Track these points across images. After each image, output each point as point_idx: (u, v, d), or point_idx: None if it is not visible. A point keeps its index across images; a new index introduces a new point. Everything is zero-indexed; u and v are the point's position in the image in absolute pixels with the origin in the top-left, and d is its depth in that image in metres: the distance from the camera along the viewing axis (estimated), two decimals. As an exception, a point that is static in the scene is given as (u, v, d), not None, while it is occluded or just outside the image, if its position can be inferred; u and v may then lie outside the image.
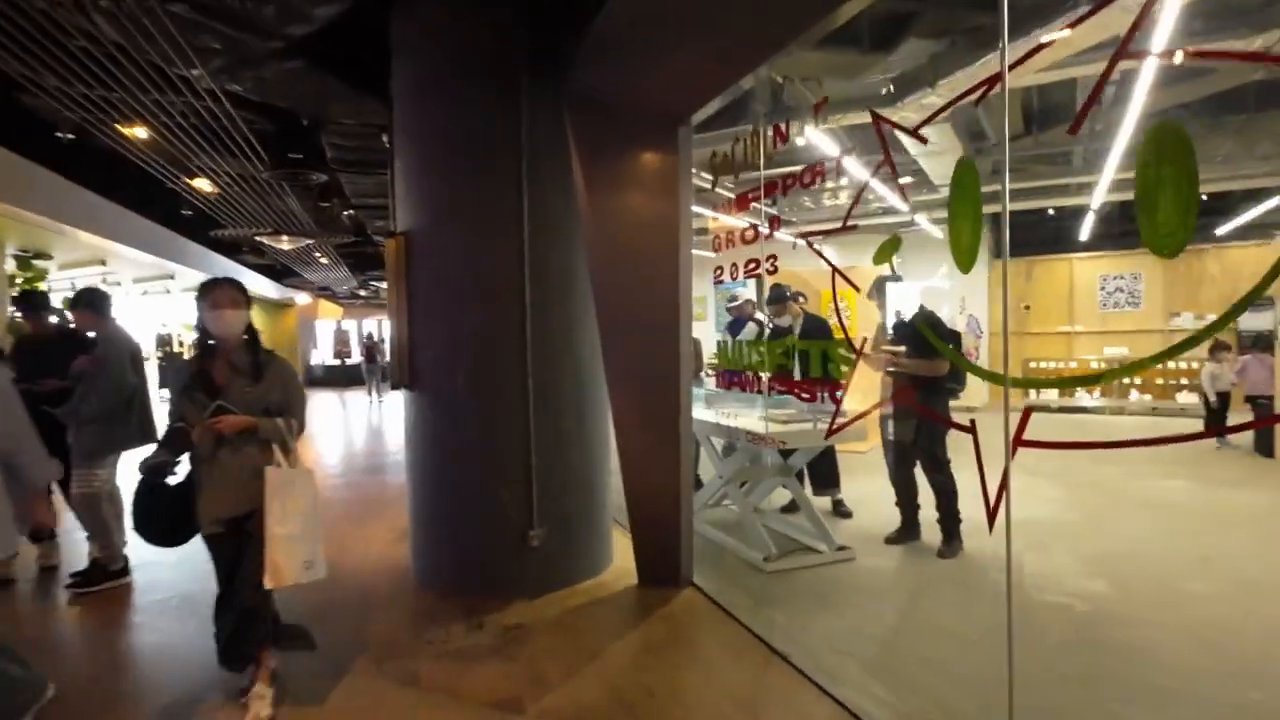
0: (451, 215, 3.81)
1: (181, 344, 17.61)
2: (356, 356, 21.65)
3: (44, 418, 4.01)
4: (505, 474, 3.75)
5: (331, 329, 22.86)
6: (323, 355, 22.15)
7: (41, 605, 4.04)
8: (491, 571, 3.80)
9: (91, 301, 4.13)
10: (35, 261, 9.66)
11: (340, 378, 20.62)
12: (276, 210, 8.50)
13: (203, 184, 6.73)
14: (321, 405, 16.15)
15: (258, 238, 9.29)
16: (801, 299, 5.09)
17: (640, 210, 3.69)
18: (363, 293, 21.26)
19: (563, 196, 3.80)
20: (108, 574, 4.08)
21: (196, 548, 2.80)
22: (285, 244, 9.41)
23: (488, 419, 3.75)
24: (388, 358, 17.83)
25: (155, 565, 4.42)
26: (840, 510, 5.31)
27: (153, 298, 17.21)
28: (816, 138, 5.78)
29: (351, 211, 9.41)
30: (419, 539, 4.11)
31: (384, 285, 18.45)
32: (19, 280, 9.53)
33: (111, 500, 4.17)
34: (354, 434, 11.38)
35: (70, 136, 5.81)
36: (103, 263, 10.96)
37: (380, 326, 23.59)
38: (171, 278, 13.88)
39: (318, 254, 11.76)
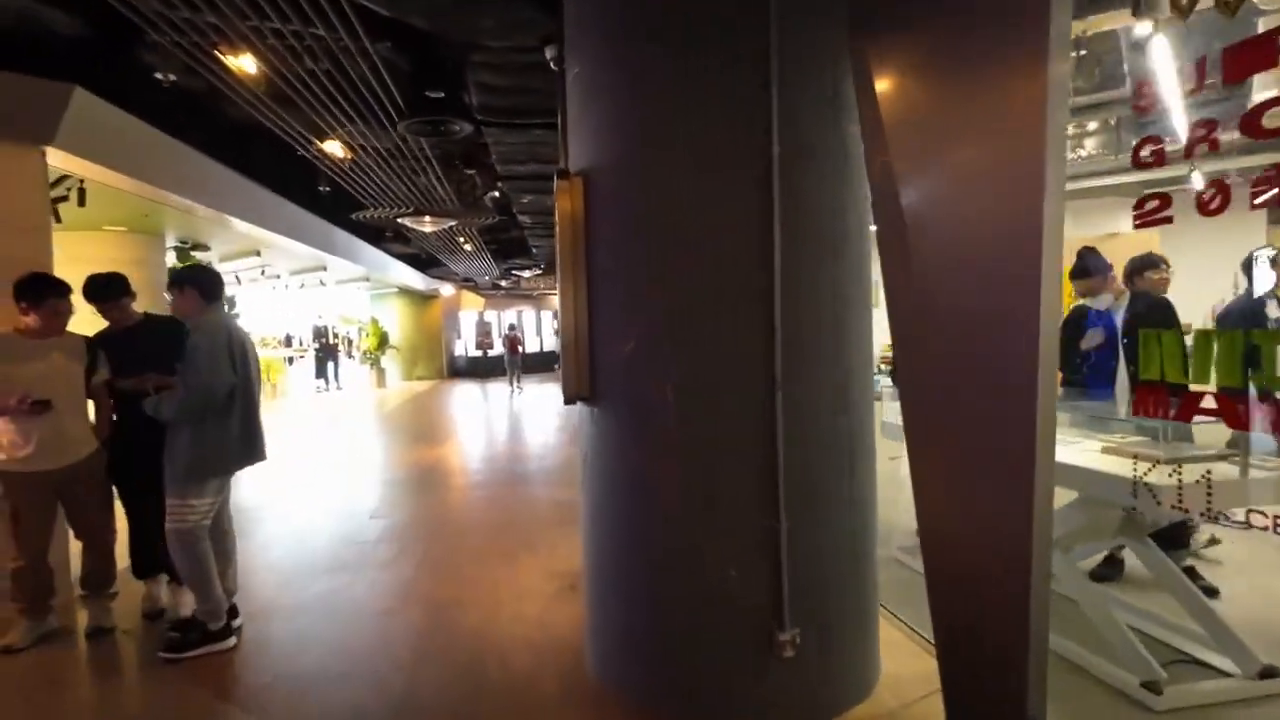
0: (659, 143, 2.48)
1: (337, 335, 18.06)
2: (498, 348, 21.48)
3: (140, 425, 3.18)
4: (737, 540, 2.40)
5: (474, 320, 22.89)
6: (465, 347, 22.21)
7: (118, 674, 3.20)
8: (713, 685, 2.47)
9: (197, 280, 3.24)
10: (194, 253, 9.58)
11: (482, 369, 20.51)
12: (418, 188, 7.73)
13: (335, 149, 5.98)
14: (464, 397, 15.84)
15: (399, 219, 8.66)
16: (1164, 267, 3.32)
17: (977, 127, 2.14)
18: (504, 283, 21.03)
19: (830, 114, 2.38)
20: (206, 635, 3.17)
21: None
22: (428, 225, 8.74)
23: (711, 452, 2.41)
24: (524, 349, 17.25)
25: (267, 617, 3.50)
26: (1195, 584, 3.52)
27: (309, 291, 17.76)
28: None
29: (497, 190, 8.55)
30: (599, 617, 2.86)
31: (525, 275, 17.91)
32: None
33: (216, 537, 3.28)
34: (495, 430, 10.64)
35: (172, 78, 5.14)
36: (258, 253, 10.88)
37: (520, 318, 23.38)
38: (324, 269, 13.92)
39: (461, 239, 11.13)
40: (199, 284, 3.23)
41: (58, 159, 4.44)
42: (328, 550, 4.66)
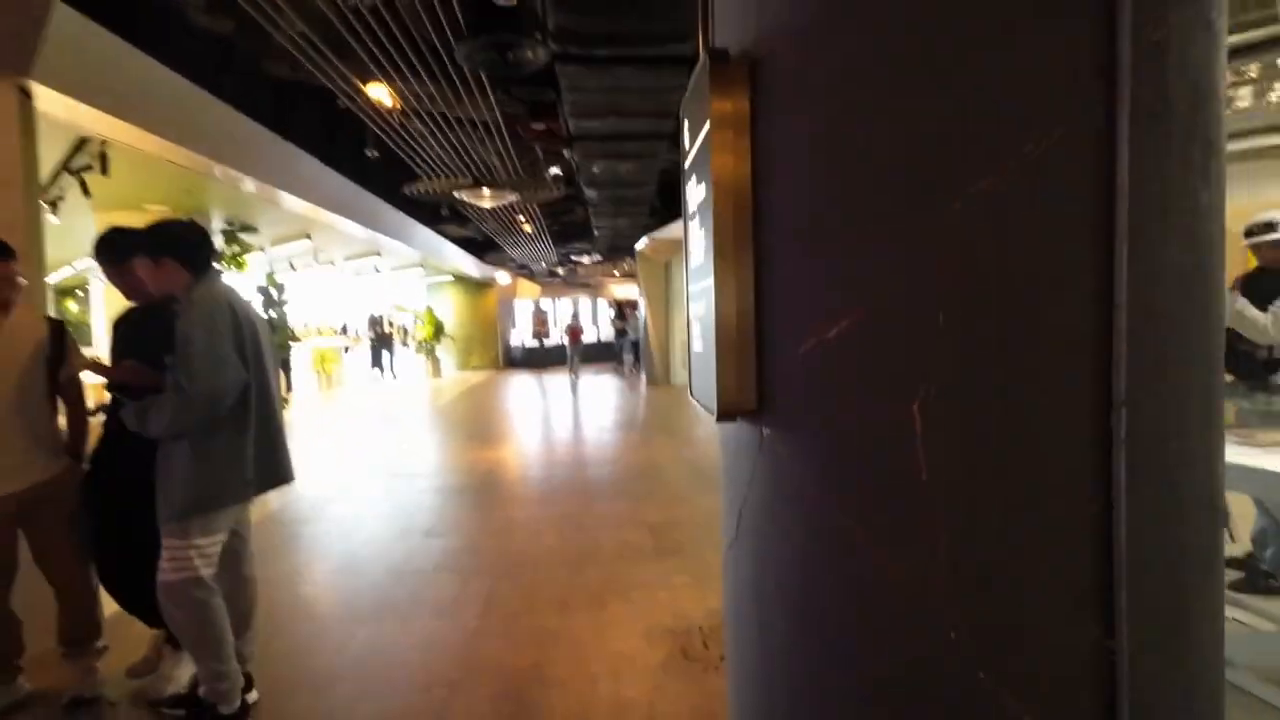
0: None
1: (392, 325, 17.60)
2: (555, 337, 20.74)
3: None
4: (1036, 667, 1.36)
5: (529, 309, 22.22)
6: (521, 336, 21.55)
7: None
8: None
9: (173, 243, 2.35)
10: (242, 235, 8.99)
11: (540, 359, 19.80)
12: (476, 157, 6.87)
13: (380, 94, 5.14)
14: (522, 389, 15.11)
15: (456, 193, 7.83)
16: None
17: None
18: (560, 270, 20.26)
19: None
20: (215, 719, 2.34)
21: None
22: (486, 200, 7.90)
23: (990, 511, 1.36)
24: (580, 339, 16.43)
25: (290, 690, 2.64)
26: None
27: (364, 278, 17.32)
28: None
29: (558, 167, 7.63)
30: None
31: (585, 261, 17.04)
32: (228, 259, 8.88)
33: (230, 588, 2.43)
34: (559, 427, 9.79)
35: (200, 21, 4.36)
36: (308, 236, 10.28)
37: (576, 306, 22.59)
38: (378, 254, 13.32)
39: (520, 218, 10.28)
40: (179, 248, 2.35)
41: (56, 106, 3.69)
42: (374, 582, 3.82)
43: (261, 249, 11.36)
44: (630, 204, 9.26)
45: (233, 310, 2.30)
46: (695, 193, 1.94)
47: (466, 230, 12.50)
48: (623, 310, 17.01)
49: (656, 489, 5.79)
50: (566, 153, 7.31)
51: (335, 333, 17.58)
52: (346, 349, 19.87)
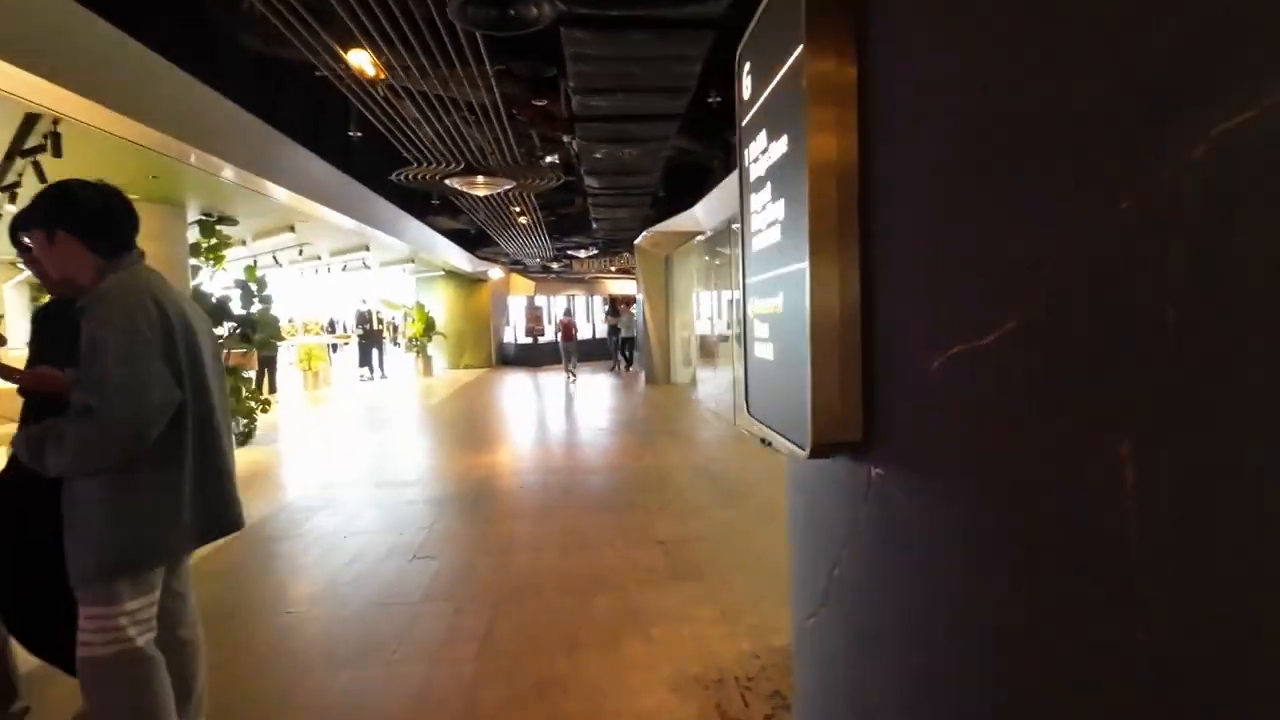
0: None
1: (381, 321, 17.08)
2: (550, 334, 20.26)
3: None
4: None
5: (523, 305, 21.74)
6: (515, 333, 21.06)
7: None
8: None
9: (68, 214, 1.84)
10: (220, 227, 8.47)
11: (533, 357, 19.31)
12: (468, 142, 6.40)
13: (363, 62, 4.64)
14: (517, 388, 14.63)
15: (448, 181, 7.34)
16: None
17: None
18: (555, 265, 19.77)
19: None
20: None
21: None
22: (481, 188, 7.42)
23: (1233, 610, 0.92)
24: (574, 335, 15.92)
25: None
26: None
27: (352, 273, 16.79)
28: None
29: (556, 155, 7.17)
30: None
31: (581, 255, 16.56)
32: (205, 252, 8.35)
33: (168, 654, 1.96)
34: (556, 428, 9.34)
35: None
36: (291, 229, 9.76)
37: (571, 303, 22.11)
38: (366, 248, 12.81)
39: (516, 209, 9.79)
40: (78, 218, 1.85)
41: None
42: (355, 616, 3.36)
43: (243, 242, 10.86)
44: (633, 193, 8.80)
45: (160, 308, 1.82)
46: (766, 151, 1.49)
47: (458, 223, 12.01)
48: (616, 306, 16.51)
49: (666, 499, 5.36)
50: (566, 138, 6.85)
51: (322, 330, 17.03)
52: (334, 347, 19.34)
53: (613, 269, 21.42)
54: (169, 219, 7.66)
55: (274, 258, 12.86)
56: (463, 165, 6.83)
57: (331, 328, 18.75)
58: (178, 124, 5.22)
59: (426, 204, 10.28)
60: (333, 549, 4.35)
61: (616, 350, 16.72)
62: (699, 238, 11.16)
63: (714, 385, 12.59)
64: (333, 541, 4.50)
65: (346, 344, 18.36)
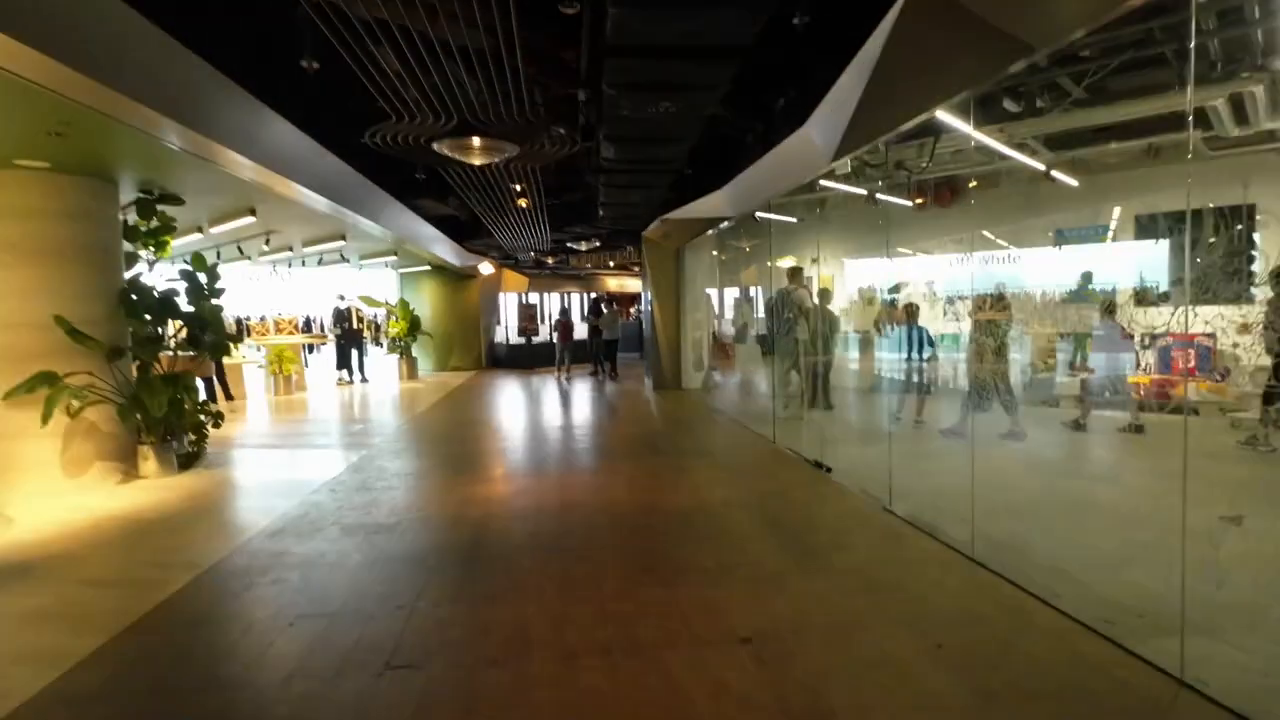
0: None
1: (361, 319, 15.62)
2: (544, 334, 18.87)
3: None
4: None
5: (515, 303, 20.33)
6: (506, 333, 19.65)
7: None
8: None
9: None
10: (163, 207, 7.03)
11: (527, 358, 17.92)
12: (463, 95, 5.04)
13: None
14: (510, 393, 13.25)
15: (435, 145, 5.93)
16: None
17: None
18: (550, 260, 18.39)
19: None
20: None
21: None
22: (476, 155, 6.00)
23: None
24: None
25: None
26: None
27: (329, 269, 15.33)
28: None
29: (576, 106, 5.81)
30: None
31: (581, 248, 15.20)
32: (144, 238, 6.91)
33: None
34: (564, 444, 7.99)
35: None
36: (252, 212, 8.33)
37: (566, 300, 20.74)
38: (344, 238, 11.38)
39: (517, 188, 8.39)
40: None
41: None
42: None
43: (199, 229, 9.41)
44: (654, 169, 7.46)
45: None
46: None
47: (448, 207, 10.60)
48: (598, 305, 14.94)
49: (727, 559, 4.04)
50: (583, 95, 5.51)
51: (296, 329, 15.54)
52: (311, 347, 17.86)
53: (611, 264, 20.08)
54: (96, 197, 6.22)
55: (239, 249, 11.43)
56: (452, 120, 5.45)
57: (307, 326, 17.25)
58: (86, 55, 3.83)
59: (409, 181, 8.86)
60: (266, 651, 2.99)
61: (598, 354, 15.16)
62: (721, 225, 9.85)
63: (734, 392, 11.32)
64: (269, 634, 3.14)
65: (324, 344, 16.86)
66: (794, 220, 11.19)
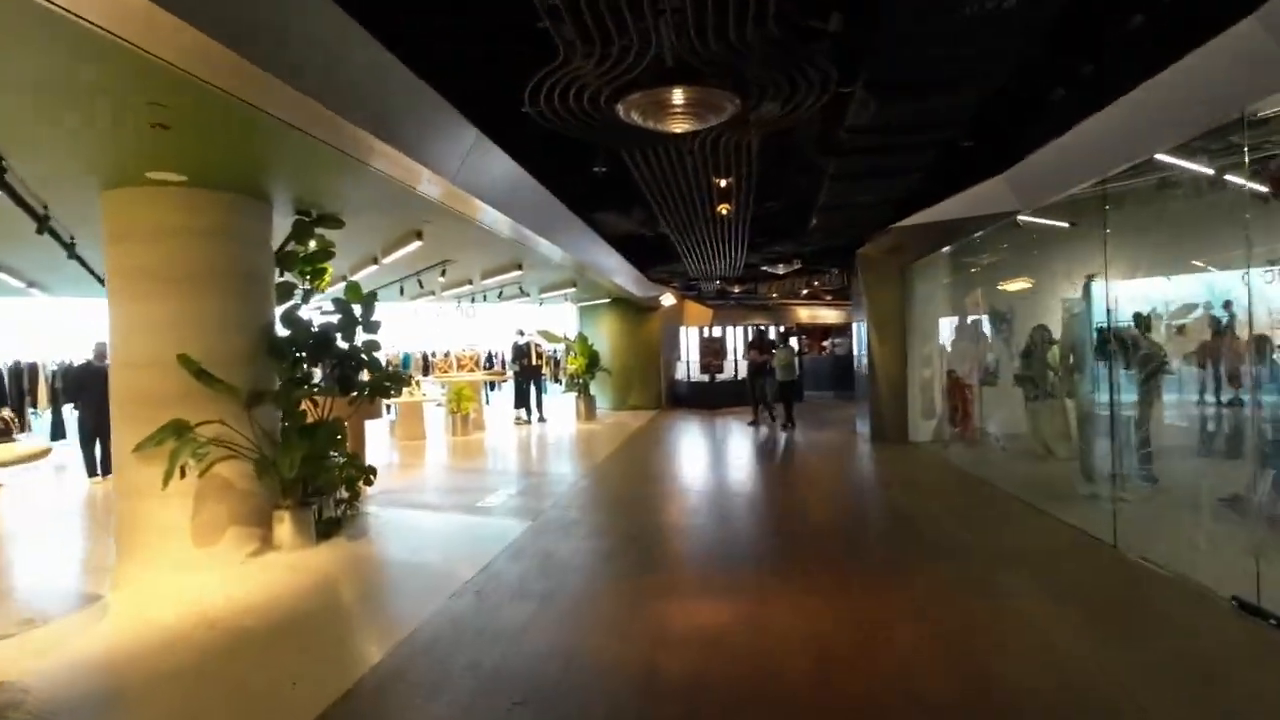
0: None
1: (540, 355, 14.80)
2: (729, 371, 17.03)
3: None
4: None
5: (696, 337, 18.73)
6: (688, 369, 18.08)
7: None
8: None
9: None
10: (322, 230, 6.16)
11: (710, 397, 16.15)
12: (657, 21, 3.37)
13: None
14: (699, 440, 11.49)
15: (621, 106, 4.24)
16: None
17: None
18: (736, 289, 16.61)
19: None
20: None
21: None
22: (679, 116, 4.02)
23: None
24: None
25: None
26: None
27: (511, 305, 14.73)
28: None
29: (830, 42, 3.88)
30: None
31: (779, 271, 13.23)
32: (301, 264, 6.04)
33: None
34: (777, 522, 6.00)
35: None
36: (418, 236, 7.39)
37: (758, 330, 18.78)
38: (519, 267, 10.40)
39: (722, 183, 6.55)
40: None
41: None
42: None
43: (374, 260, 8.77)
44: (916, 140, 5.33)
45: None
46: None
47: (630, 221, 9.14)
48: (764, 340, 12.32)
49: None
50: (835, 22, 3.63)
51: (477, 365, 15.06)
52: (492, 384, 17.50)
53: (804, 291, 17.86)
54: (240, 213, 5.36)
55: (419, 282, 10.86)
56: (649, 60, 3.73)
57: (489, 363, 16.88)
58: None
59: (588, 188, 7.45)
60: None
61: (760, 398, 12.33)
62: (974, 236, 7.41)
63: (989, 450, 8.65)
64: None
65: (504, 381, 16.32)
66: (1065, 225, 8.46)
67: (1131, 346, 6.90)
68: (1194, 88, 4.19)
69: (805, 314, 20.32)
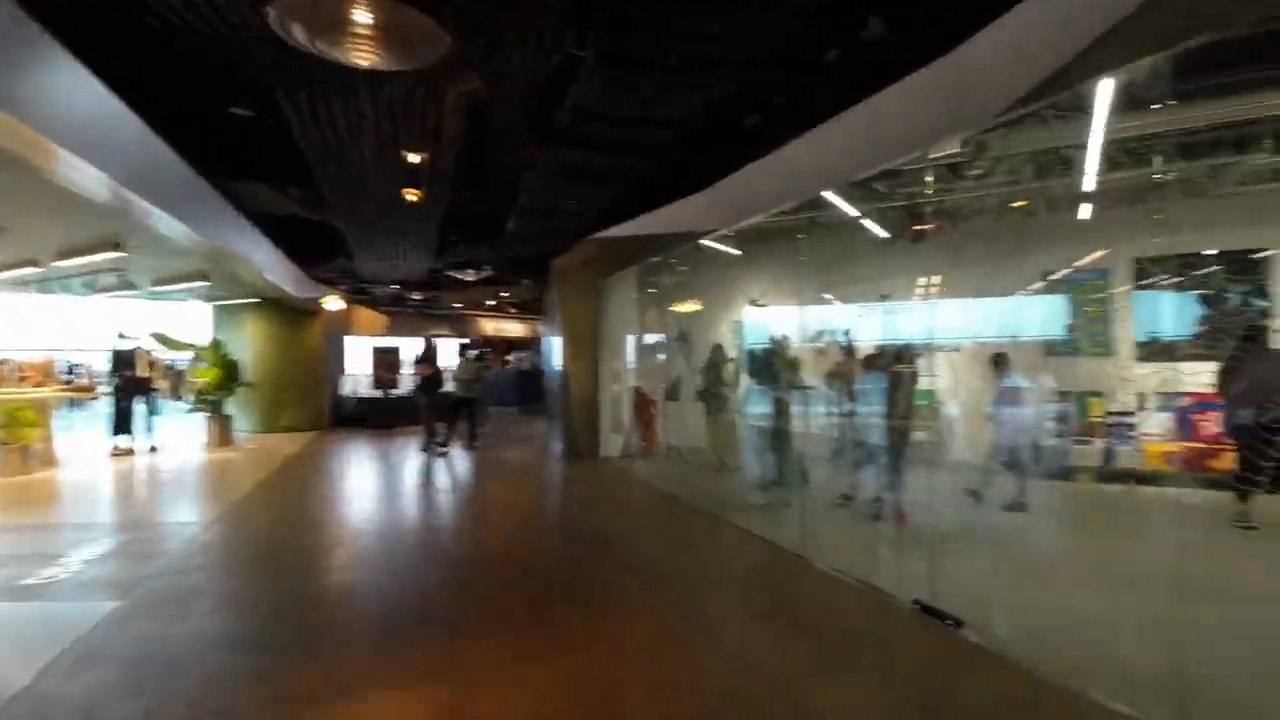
0: None
1: (153, 364, 11.42)
2: (404, 386, 15.41)
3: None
4: None
5: (368, 348, 16.67)
6: (356, 384, 15.93)
7: None
8: None
9: None
10: None
11: (381, 415, 14.36)
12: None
13: None
14: (371, 468, 9.89)
15: (271, 7, 2.96)
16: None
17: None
18: (418, 295, 15.12)
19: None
20: None
21: None
22: (364, 44, 3.10)
23: None
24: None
25: None
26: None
27: (110, 300, 11.15)
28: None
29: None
30: None
31: (468, 277, 12.24)
32: None
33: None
34: (446, 553, 5.11)
35: None
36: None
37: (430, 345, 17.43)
38: (117, 246, 7.71)
39: (412, 159, 5.37)
40: None
41: None
42: None
43: None
44: (647, 134, 4.92)
45: None
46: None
47: (288, 200, 7.35)
48: (433, 350, 10.79)
49: None
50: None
51: (47, 377, 11.03)
52: (72, 403, 13.14)
53: (491, 302, 17.13)
54: None
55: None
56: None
57: (69, 375, 12.63)
58: None
59: (231, 156, 5.67)
60: None
61: (432, 419, 10.63)
62: (683, 247, 7.54)
63: (672, 464, 8.89)
64: None
65: (95, 399, 12.34)
66: (737, 253, 9.23)
67: (769, 365, 7.64)
68: (878, 127, 4.53)
69: (490, 326, 19.60)
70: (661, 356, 10.71)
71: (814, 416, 7.71)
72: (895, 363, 6.99)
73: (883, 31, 4.07)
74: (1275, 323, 7.23)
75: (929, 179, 6.47)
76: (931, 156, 5.32)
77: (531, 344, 19.53)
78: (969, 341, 7.88)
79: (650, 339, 10.97)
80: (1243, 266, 7.47)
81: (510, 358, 20.60)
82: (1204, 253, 7.58)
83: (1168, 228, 7.19)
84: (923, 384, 8.75)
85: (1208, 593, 3.66)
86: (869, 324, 8.38)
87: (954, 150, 5.09)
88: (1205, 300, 7.82)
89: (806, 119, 4.81)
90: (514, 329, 20.03)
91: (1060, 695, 2.92)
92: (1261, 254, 7.32)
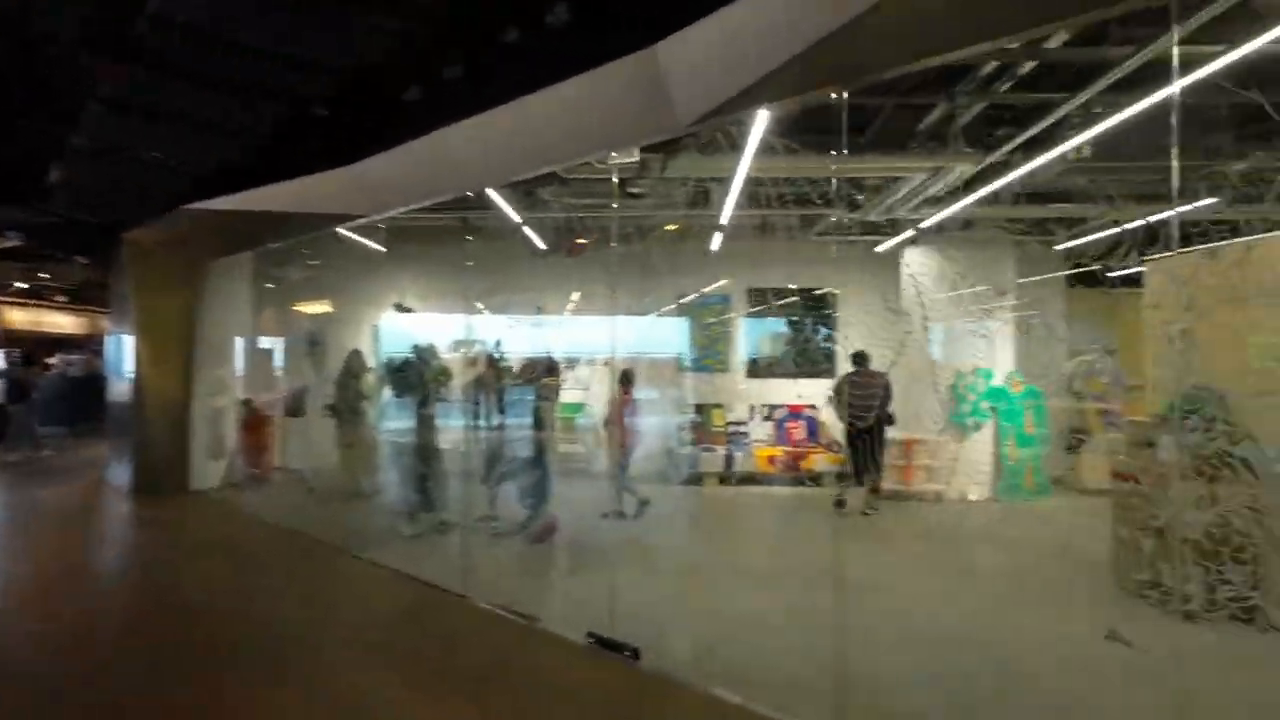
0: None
1: None
2: None
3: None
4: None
5: None
6: None
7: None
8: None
9: None
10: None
11: None
12: None
13: None
14: None
15: None
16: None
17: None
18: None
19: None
20: None
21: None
22: None
23: None
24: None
25: None
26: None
27: None
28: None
29: None
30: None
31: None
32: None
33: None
34: None
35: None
36: None
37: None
38: None
39: None
40: None
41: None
42: None
43: None
44: (240, 92, 3.73)
45: None
46: None
47: None
48: None
49: None
50: None
51: None
52: None
53: (21, 285, 12.55)
54: None
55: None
56: None
57: None
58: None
59: None
60: None
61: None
62: (318, 231, 6.26)
63: (293, 494, 7.32)
64: None
65: None
66: (382, 249, 8.25)
67: (417, 375, 6.80)
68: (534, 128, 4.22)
69: (22, 317, 14.37)
70: (282, 364, 9.01)
71: (463, 430, 7.07)
72: (547, 375, 6.82)
73: (568, 18, 3.76)
74: (836, 346, 9.09)
75: (593, 193, 6.49)
76: (599, 166, 5.26)
77: (88, 343, 14.96)
78: (617, 356, 8.17)
79: (268, 342, 9.14)
80: (814, 301, 9.22)
81: (54, 360, 15.46)
82: (790, 286, 9.15)
83: (769, 263, 8.51)
84: (571, 396, 8.92)
85: (837, 582, 4.12)
86: (521, 335, 8.15)
87: (621, 161, 5.08)
88: (792, 325, 9.47)
89: (475, 103, 4.28)
90: (62, 323, 15.09)
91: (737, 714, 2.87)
92: (822, 291, 9.12)
